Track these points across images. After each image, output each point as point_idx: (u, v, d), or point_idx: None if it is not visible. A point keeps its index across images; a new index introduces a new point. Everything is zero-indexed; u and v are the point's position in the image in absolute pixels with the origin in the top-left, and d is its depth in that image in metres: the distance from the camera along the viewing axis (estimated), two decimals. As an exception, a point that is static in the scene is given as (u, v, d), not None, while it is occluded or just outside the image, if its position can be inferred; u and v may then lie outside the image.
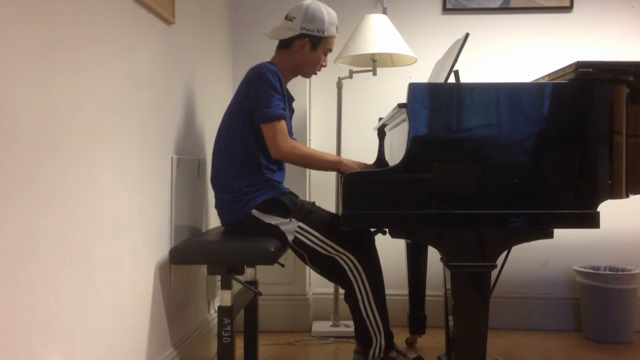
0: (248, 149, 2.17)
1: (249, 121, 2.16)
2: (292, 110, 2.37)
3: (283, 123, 2.14)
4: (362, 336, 2.12)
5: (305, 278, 3.04)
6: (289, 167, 2.41)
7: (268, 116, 2.12)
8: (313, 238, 2.09)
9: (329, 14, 2.27)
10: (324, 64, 2.35)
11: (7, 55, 1.18)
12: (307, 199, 2.98)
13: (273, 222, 2.10)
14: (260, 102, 2.13)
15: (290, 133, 2.38)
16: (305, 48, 2.26)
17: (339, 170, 2.19)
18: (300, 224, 2.09)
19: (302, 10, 2.25)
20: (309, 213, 2.13)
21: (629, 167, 1.80)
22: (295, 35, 2.25)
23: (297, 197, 2.25)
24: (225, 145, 2.22)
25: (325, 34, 2.26)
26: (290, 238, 2.09)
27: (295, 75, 2.37)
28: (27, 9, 1.25)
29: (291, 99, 2.34)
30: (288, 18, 2.27)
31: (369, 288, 2.08)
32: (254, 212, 2.11)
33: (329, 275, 2.26)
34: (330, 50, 2.34)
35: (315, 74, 2.39)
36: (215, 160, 2.25)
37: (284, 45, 2.30)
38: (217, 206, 2.24)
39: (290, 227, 2.09)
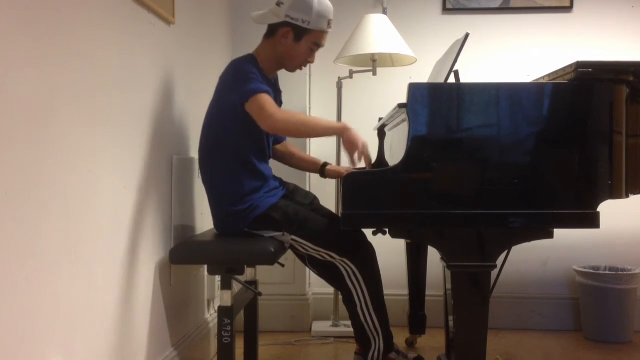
0: (233, 151, 2.06)
1: (231, 121, 2.04)
2: (279, 102, 2.25)
3: (266, 95, 1.99)
4: (362, 338, 2.12)
5: (305, 278, 3.04)
6: (288, 169, 2.41)
7: (247, 92, 1.98)
8: (309, 248, 2.07)
9: (320, 3, 2.07)
10: (310, 60, 2.18)
11: (7, 56, 1.18)
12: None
13: (267, 235, 2.04)
14: (237, 86, 2.01)
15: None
16: (288, 38, 2.10)
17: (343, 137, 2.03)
18: (294, 236, 2.05)
19: None
20: (303, 223, 2.05)
21: (629, 167, 1.80)
22: (279, 23, 2.09)
23: (293, 197, 2.18)
24: (208, 152, 2.12)
25: (311, 26, 2.07)
26: (287, 246, 2.08)
27: (280, 68, 2.21)
28: (27, 9, 1.25)
29: (277, 92, 2.24)
30: (278, 3, 2.10)
31: (367, 294, 2.06)
32: (247, 230, 2.06)
33: (327, 279, 2.24)
34: (319, 45, 2.15)
35: (300, 69, 2.22)
36: (201, 167, 2.16)
37: (269, 33, 2.15)
38: (211, 212, 2.18)
39: (285, 238, 2.04)
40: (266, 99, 1.99)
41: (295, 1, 2.07)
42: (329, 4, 2.12)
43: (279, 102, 2.26)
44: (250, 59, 2.11)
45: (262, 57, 2.15)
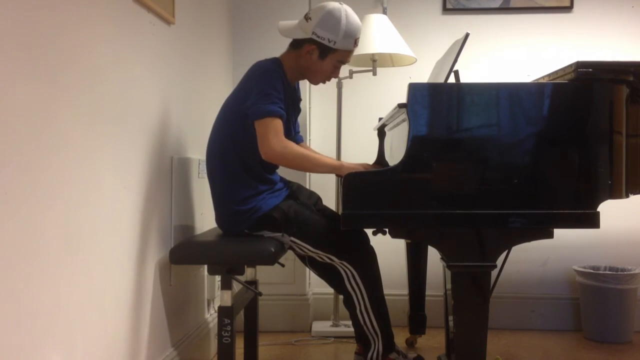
0: (242, 155, 2.05)
1: (245, 123, 2.03)
2: (298, 110, 2.27)
3: (278, 121, 1.99)
4: (362, 338, 2.12)
5: (305, 278, 3.04)
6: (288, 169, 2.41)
7: (261, 111, 1.97)
8: (307, 250, 2.07)
9: (348, 24, 2.05)
10: (334, 75, 2.17)
11: (7, 56, 1.18)
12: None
13: (267, 236, 2.04)
14: (256, 98, 1.99)
15: (297, 131, 2.31)
16: (313, 55, 2.09)
17: (340, 175, 2.01)
18: (293, 238, 2.04)
19: (320, 13, 2.05)
20: (302, 225, 2.03)
21: (629, 167, 1.80)
22: (305, 39, 2.08)
23: (296, 197, 2.16)
24: (218, 149, 2.10)
25: (337, 45, 2.06)
26: (286, 247, 2.08)
27: (302, 78, 2.22)
28: (26, 10, 1.25)
29: (297, 100, 2.25)
30: (306, 17, 2.08)
31: (366, 297, 2.06)
32: (247, 231, 2.06)
33: (327, 280, 2.24)
34: (344, 63, 2.15)
35: (324, 82, 2.22)
36: (208, 163, 2.15)
37: (295, 44, 2.14)
38: (214, 207, 2.18)
39: (284, 239, 2.04)
40: (276, 127, 1.98)
41: (323, 19, 2.04)
42: (358, 22, 2.09)
43: (297, 110, 2.25)
44: (277, 64, 2.09)
45: (287, 65, 2.13)
